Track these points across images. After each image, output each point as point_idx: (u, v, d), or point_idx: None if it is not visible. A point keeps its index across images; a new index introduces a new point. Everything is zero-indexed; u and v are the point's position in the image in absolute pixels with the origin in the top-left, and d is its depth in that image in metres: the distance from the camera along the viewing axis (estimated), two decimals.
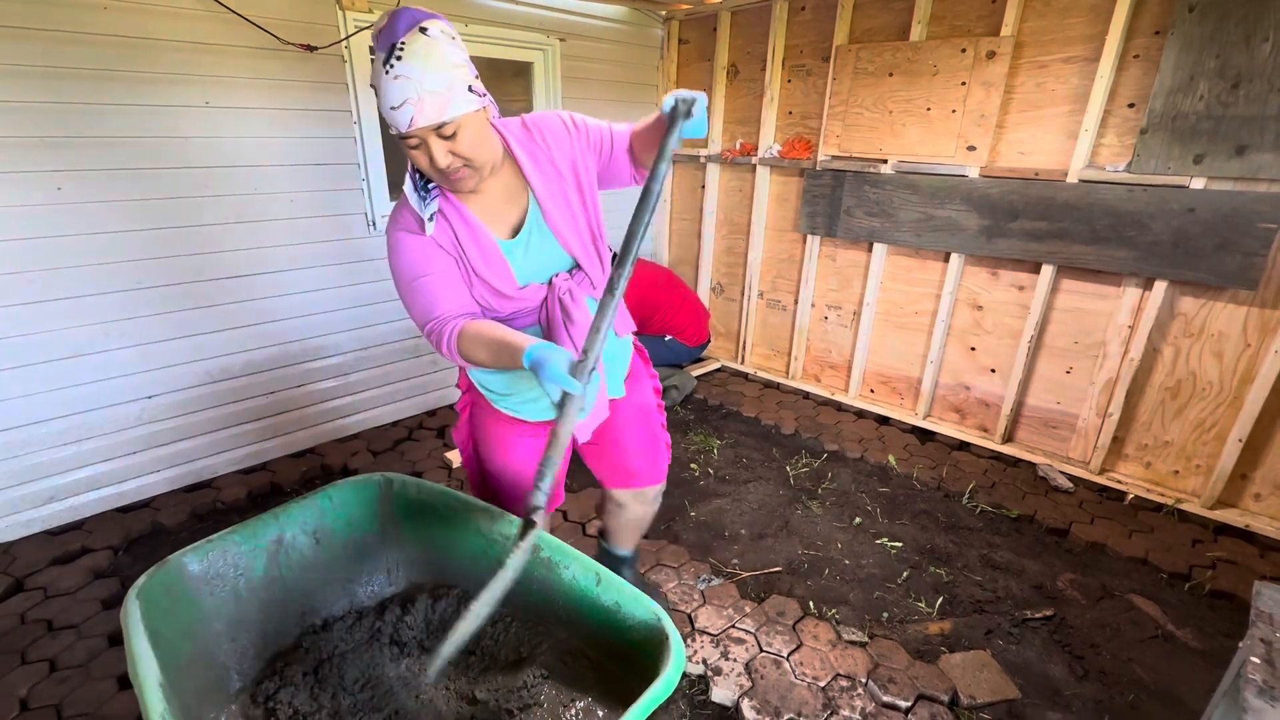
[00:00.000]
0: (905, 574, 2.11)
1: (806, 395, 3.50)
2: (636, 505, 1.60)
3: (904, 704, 1.63)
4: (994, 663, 1.75)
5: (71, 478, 2.28)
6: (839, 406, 3.37)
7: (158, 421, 2.43)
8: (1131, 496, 2.52)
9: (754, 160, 3.41)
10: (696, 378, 3.61)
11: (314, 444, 2.87)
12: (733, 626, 1.87)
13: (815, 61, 3.15)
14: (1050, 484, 2.63)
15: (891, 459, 2.81)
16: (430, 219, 1.13)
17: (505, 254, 1.20)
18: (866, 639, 1.83)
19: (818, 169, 3.15)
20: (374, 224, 2.79)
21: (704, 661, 1.73)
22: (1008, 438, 2.90)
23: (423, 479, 1.38)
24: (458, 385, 1.48)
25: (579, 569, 1.16)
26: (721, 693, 1.64)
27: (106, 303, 2.22)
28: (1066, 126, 2.47)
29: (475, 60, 1.10)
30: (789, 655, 1.77)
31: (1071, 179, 2.43)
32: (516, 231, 1.22)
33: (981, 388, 2.96)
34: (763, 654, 1.77)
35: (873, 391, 3.35)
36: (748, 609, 1.93)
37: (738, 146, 3.53)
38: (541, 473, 1.03)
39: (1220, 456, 2.34)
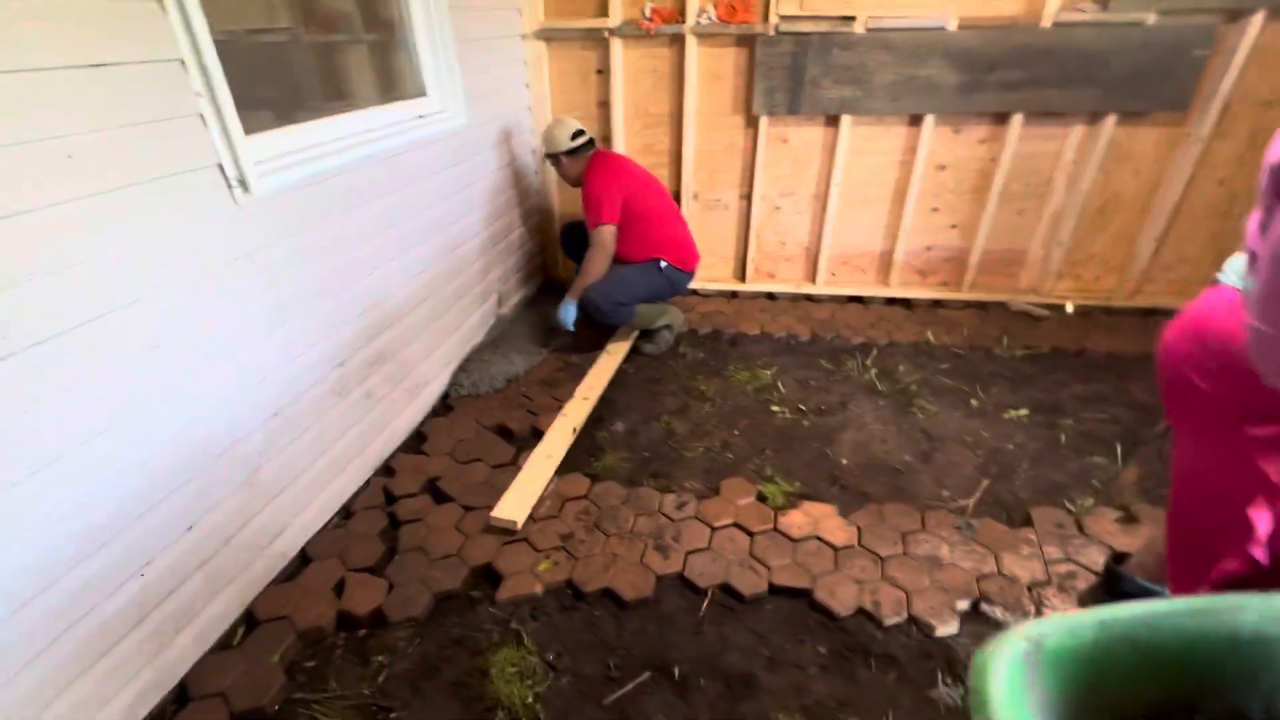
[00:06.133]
0: (1063, 439, 2.16)
1: (771, 296, 3.27)
2: None
3: None
4: None
5: None
6: (810, 298, 3.24)
7: None
8: (1075, 307, 3.01)
9: (683, 29, 2.75)
10: None
11: (242, 606, 1.59)
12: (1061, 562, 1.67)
13: None
14: (1030, 315, 2.98)
15: (930, 335, 2.83)
16: None
17: None
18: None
19: (773, 34, 2.69)
20: (245, 185, 1.44)
21: None
22: (971, 286, 3.15)
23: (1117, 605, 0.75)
24: None
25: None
26: None
27: None
28: None
29: None
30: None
31: (1045, 24, 2.51)
32: None
33: (942, 244, 3.10)
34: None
35: (834, 275, 3.27)
36: (1029, 535, 1.75)
37: (647, 14, 2.79)
38: None
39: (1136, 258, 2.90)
